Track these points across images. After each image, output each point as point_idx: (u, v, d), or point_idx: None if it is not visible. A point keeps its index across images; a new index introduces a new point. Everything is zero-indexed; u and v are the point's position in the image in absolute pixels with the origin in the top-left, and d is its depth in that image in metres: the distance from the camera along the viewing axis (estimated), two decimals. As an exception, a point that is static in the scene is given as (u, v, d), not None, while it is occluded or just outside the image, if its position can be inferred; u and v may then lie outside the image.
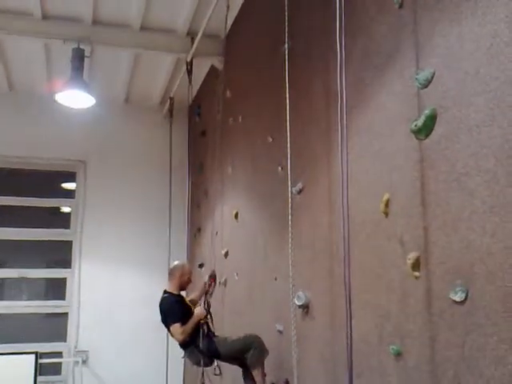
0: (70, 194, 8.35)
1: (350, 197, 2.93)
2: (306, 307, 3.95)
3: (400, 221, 2.87)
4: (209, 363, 4.52)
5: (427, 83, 2.65)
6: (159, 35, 6.50)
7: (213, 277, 4.81)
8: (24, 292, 8.28)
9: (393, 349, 2.86)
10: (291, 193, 3.86)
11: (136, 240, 8.17)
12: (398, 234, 2.86)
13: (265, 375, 4.31)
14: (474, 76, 2.33)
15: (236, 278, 5.70)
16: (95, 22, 6.27)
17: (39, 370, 7.03)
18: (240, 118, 5.79)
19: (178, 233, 7.68)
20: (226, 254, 6.04)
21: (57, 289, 8.19)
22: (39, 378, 7.00)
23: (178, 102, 7.92)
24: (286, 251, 3.80)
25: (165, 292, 4.73)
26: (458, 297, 2.37)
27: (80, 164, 8.26)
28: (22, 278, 7.97)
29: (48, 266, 8.40)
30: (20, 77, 7.66)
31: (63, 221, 8.25)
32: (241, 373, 4.51)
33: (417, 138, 2.72)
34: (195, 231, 7.66)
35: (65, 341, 7.91)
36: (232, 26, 5.94)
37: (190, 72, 6.69)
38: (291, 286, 3.72)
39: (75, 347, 7.79)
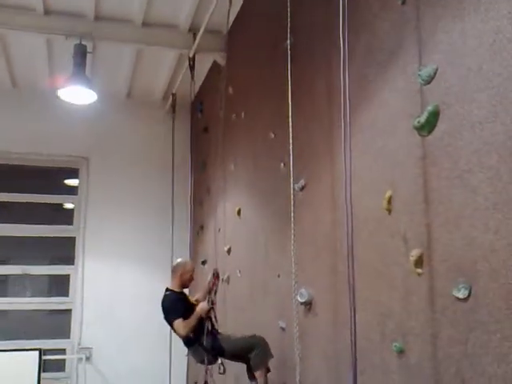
0: (72, 190, 8.35)
1: (352, 193, 2.93)
2: (308, 304, 3.95)
3: (403, 218, 2.86)
4: (213, 361, 4.52)
5: (430, 79, 2.64)
6: (161, 31, 6.49)
7: (216, 275, 4.79)
8: (27, 288, 8.30)
9: (395, 346, 2.86)
10: (293, 189, 3.85)
11: (139, 236, 8.17)
12: (401, 231, 2.86)
13: (269, 371, 4.31)
14: (477, 72, 2.32)
15: (239, 274, 5.70)
16: (97, 17, 6.26)
17: (43, 366, 7.06)
18: (242, 114, 5.78)
19: (181, 229, 7.69)
20: (229, 251, 6.04)
21: (60, 285, 8.20)
22: (43, 375, 7.01)
23: (180, 98, 7.92)
24: (289, 248, 3.80)
25: (167, 290, 4.73)
26: (461, 294, 2.36)
27: (83, 160, 8.26)
28: (26, 274, 7.99)
29: (51, 263, 8.42)
30: (22, 73, 7.65)
31: (66, 217, 8.25)
32: (244, 370, 4.51)
33: (419, 135, 2.70)
34: (198, 228, 7.66)
35: (68, 337, 7.92)
36: (234, 21, 5.93)
37: (192, 68, 6.69)
38: (294, 282, 3.72)
39: (79, 344, 7.80)
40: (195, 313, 4.44)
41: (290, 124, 3.81)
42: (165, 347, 6.89)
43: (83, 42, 6.17)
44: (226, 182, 6.22)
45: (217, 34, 6.38)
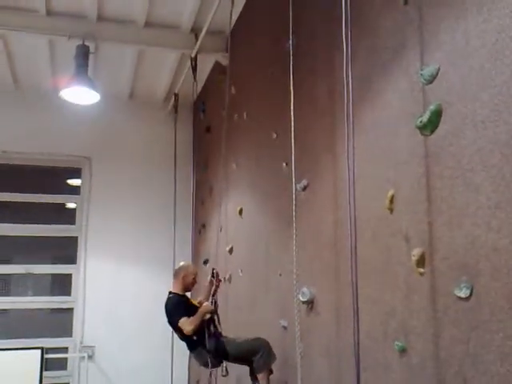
0: (75, 190, 8.37)
1: (355, 193, 2.93)
2: (310, 303, 3.95)
3: (405, 217, 2.86)
4: (216, 364, 4.50)
5: (432, 79, 2.64)
6: (163, 31, 6.50)
7: (216, 275, 4.76)
8: (30, 288, 8.32)
9: (397, 345, 2.86)
10: (296, 189, 3.86)
11: (141, 236, 8.19)
12: (403, 230, 2.86)
13: (271, 372, 4.31)
14: (480, 71, 2.32)
15: (240, 274, 5.71)
16: (100, 18, 6.27)
17: (45, 365, 7.07)
18: (245, 114, 5.79)
19: (183, 229, 7.70)
20: (231, 251, 6.04)
21: (62, 284, 8.22)
22: (45, 374, 7.03)
23: (182, 99, 7.93)
24: (291, 247, 3.81)
25: (170, 293, 4.73)
26: (463, 293, 2.36)
27: (85, 160, 8.28)
28: (29, 273, 8.00)
29: (54, 262, 8.44)
30: (25, 73, 7.67)
31: (69, 217, 8.27)
32: (245, 371, 4.50)
33: (422, 134, 2.71)
34: (200, 227, 7.67)
35: (70, 336, 7.94)
36: (236, 21, 5.93)
37: (194, 68, 6.70)
38: (295, 281, 3.73)
39: (81, 342, 7.82)
40: (199, 311, 4.43)
41: (292, 124, 3.81)
42: (167, 346, 6.90)
43: (86, 43, 6.18)
44: (228, 181, 6.23)
45: (219, 34, 6.39)
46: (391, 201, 2.97)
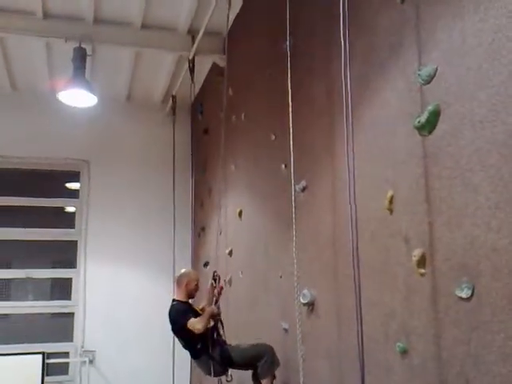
0: (74, 193, 8.35)
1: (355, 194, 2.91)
2: (311, 305, 3.94)
3: (404, 217, 2.85)
4: (222, 372, 4.46)
5: (430, 79, 2.63)
6: (160, 33, 6.50)
7: (217, 279, 4.71)
8: (30, 292, 8.30)
9: (399, 346, 2.85)
10: (295, 190, 3.85)
11: (140, 239, 8.17)
12: (403, 231, 2.85)
13: (274, 378, 4.30)
14: (477, 71, 2.32)
15: (241, 276, 5.70)
16: (97, 20, 6.26)
17: (46, 370, 7.06)
18: (243, 115, 5.78)
19: (182, 232, 7.68)
20: (231, 253, 6.03)
21: (62, 289, 8.20)
22: (47, 379, 7.02)
23: (180, 100, 7.92)
24: (291, 249, 3.80)
25: (173, 300, 4.71)
26: (464, 293, 2.35)
27: (83, 163, 8.26)
28: (29, 278, 7.99)
29: (53, 266, 8.42)
30: (22, 76, 7.66)
31: (68, 220, 8.25)
32: (247, 376, 4.48)
33: (420, 135, 2.70)
34: (199, 230, 7.66)
35: (71, 341, 7.92)
36: (233, 23, 5.92)
37: (192, 70, 6.69)
38: (296, 283, 3.72)
39: (82, 347, 7.80)
40: (206, 311, 4.41)
41: (291, 125, 3.80)
42: (168, 350, 6.87)
43: (83, 45, 6.18)
44: (227, 183, 6.22)
45: (216, 35, 6.38)
46: (390, 201, 2.96)
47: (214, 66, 6.78)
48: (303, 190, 4.12)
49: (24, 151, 7.89)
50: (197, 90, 7.44)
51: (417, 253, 2.71)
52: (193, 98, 7.25)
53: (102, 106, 6.97)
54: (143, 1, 5.91)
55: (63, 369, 7.85)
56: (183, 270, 5.03)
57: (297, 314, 3.69)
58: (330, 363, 3.69)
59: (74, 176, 8.35)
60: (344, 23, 3.00)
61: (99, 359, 7.82)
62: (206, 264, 7.06)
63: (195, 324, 4.29)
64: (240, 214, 5.77)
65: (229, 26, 5.50)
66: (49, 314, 8.26)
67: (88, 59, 6.31)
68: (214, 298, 4.60)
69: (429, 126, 2.62)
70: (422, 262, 2.68)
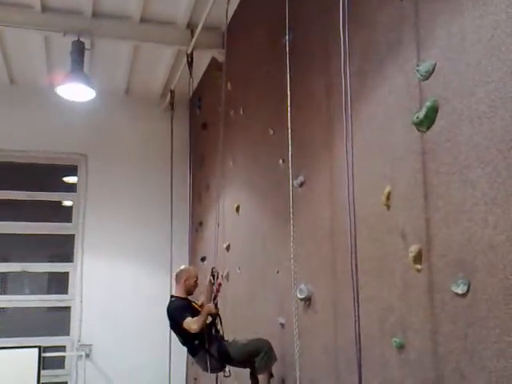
0: (71, 187, 8.35)
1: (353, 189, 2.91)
2: (308, 300, 3.94)
3: (402, 213, 2.86)
4: (219, 368, 4.48)
5: (428, 75, 2.63)
6: (159, 27, 6.48)
7: (216, 275, 4.70)
8: (26, 286, 8.30)
9: (395, 341, 2.86)
10: (293, 186, 3.85)
11: (138, 233, 8.16)
12: (400, 227, 2.86)
13: (272, 376, 4.31)
14: (476, 67, 2.32)
15: (238, 271, 5.70)
16: (95, 14, 6.25)
17: (43, 363, 7.06)
18: (241, 110, 5.77)
19: (180, 226, 7.68)
20: (228, 248, 6.03)
21: (59, 283, 8.20)
22: (43, 372, 7.03)
23: (178, 95, 7.89)
24: (288, 244, 3.80)
25: (171, 296, 4.72)
26: (460, 289, 2.36)
27: (81, 157, 8.25)
28: (25, 272, 7.98)
29: (50, 260, 8.41)
30: (20, 70, 7.64)
31: (65, 214, 8.24)
32: (244, 371, 4.50)
33: (418, 130, 2.70)
34: (197, 225, 7.66)
35: (68, 334, 7.93)
36: (232, 17, 5.91)
37: (190, 64, 6.67)
38: (293, 279, 3.72)
39: (78, 341, 7.81)
40: (203, 310, 4.41)
41: (289, 120, 3.80)
42: (164, 344, 6.88)
43: (81, 39, 6.17)
44: (224, 178, 6.21)
45: (215, 30, 6.37)
46: (388, 197, 2.97)
47: (213, 60, 6.77)
48: (301, 185, 4.12)
49: (22, 145, 7.88)
50: (195, 84, 7.43)
51: (413, 249, 2.72)
52: (191, 93, 7.24)
53: (100, 100, 6.96)
54: (142, -6, 5.91)
55: (60, 363, 7.86)
56: (182, 267, 5.04)
57: (294, 309, 3.70)
58: (327, 358, 3.70)
59: (72, 170, 8.34)
60: (343, 19, 3.00)
61: (96, 353, 7.83)
62: (203, 259, 7.07)
63: (191, 324, 4.30)
64: (237, 208, 5.77)
65: (228, 21, 5.49)
66: (45, 307, 8.26)
67: (86, 53, 6.30)
68: (213, 295, 4.60)
69: (427, 121, 2.62)
70: (418, 258, 2.69)
